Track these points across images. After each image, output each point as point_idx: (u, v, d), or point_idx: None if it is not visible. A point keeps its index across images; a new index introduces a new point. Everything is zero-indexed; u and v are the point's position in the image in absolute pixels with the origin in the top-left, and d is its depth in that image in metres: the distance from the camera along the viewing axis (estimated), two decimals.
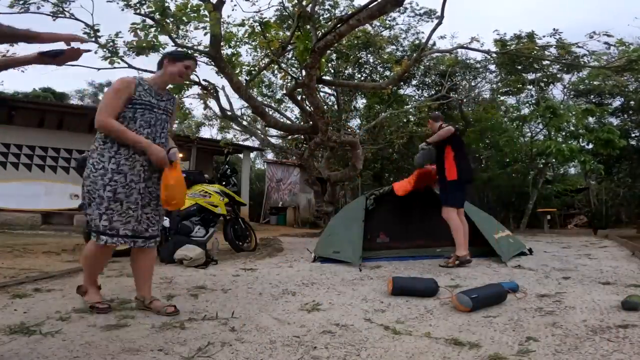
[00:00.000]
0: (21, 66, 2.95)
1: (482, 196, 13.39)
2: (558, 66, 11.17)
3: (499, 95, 13.68)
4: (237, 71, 7.87)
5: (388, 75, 12.05)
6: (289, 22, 8.75)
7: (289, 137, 13.10)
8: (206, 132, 29.69)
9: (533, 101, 12.23)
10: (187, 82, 7.80)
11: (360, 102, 14.70)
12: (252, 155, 17.36)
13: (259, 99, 10.89)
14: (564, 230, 11.52)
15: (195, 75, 7.73)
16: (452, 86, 12.79)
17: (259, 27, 7.36)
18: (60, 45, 1.76)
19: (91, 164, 2.20)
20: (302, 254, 5.15)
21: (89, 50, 2.10)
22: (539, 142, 11.59)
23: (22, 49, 12.65)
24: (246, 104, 9.11)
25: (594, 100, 12.15)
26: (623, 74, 10.02)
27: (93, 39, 6.24)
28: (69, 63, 1.87)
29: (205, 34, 6.75)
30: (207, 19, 6.10)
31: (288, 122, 11.41)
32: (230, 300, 2.63)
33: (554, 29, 9.19)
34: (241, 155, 16.15)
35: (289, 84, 10.03)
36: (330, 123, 8.67)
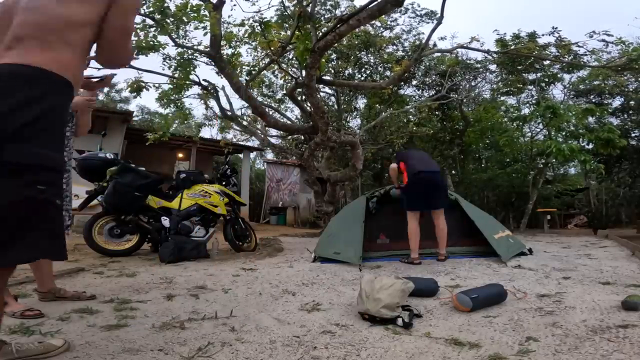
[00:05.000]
0: None
1: (482, 196, 13.40)
2: (558, 66, 11.18)
3: (499, 95, 13.68)
4: (237, 71, 7.88)
5: (388, 75, 12.06)
6: (289, 22, 8.75)
7: (289, 137, 13.12)
8: (206, 132, 29.74)
9: (533, 101, 12.23)
10: (188, 82, 7.81)
11: (360, 102, 14.74)
12: (252, 155, 17.36)
13: (259, 99, 10.91)
14: (564, 230, 11.52)
15: (195, 75, 7.73)
16: (452, 86, 12.79)
17: (259, 27, 7.37)
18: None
19: None
20: (302, 254, 5.15)
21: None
22: (539, 142, 11.59)
23: None
24: (246, 104, 9.11)
25: (594, 100, 12.16)
26: (623, 74, 10.02)
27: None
28: None
29: (205, 34, 6.76)
30: (207, 19, 6.10)
31: (288, 122, 11.41)
32: (230, 300, 2.63)
33: (553, 27, 9.21)
34: (241, 155, 16.15)
35: (289, 84, 10.04)
36: (331, 123, 8.66)
